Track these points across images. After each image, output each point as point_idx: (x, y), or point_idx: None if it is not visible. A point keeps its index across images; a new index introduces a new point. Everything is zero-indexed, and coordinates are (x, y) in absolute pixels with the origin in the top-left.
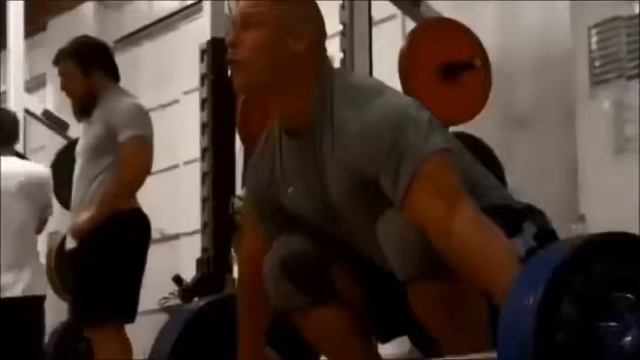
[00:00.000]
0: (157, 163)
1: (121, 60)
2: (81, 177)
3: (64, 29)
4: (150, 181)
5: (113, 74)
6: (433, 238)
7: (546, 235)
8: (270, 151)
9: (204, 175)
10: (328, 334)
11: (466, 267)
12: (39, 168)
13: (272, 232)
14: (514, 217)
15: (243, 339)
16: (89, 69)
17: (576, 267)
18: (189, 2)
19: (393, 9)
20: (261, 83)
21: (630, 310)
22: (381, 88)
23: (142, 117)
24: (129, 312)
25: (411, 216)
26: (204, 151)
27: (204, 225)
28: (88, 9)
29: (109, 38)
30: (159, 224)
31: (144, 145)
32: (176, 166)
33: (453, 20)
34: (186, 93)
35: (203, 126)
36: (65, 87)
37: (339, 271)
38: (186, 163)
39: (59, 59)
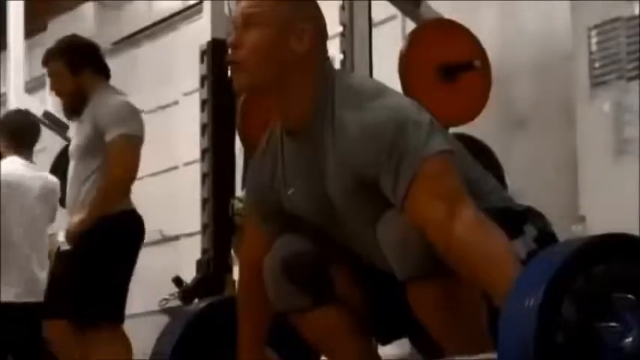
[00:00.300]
0: (157, 165)
1: (121, 61)
2: (74, 178)
3: (64, 30)
4: (150, 182)
5: (103, 72)
6: (433, 239)
7: (547, 237)
8: (272, 152)
9: (204, 176)
10: (328, 335)
11: (466, 268)
12: (50, 175)
13: (274, 233)
14: (515, 219)
15: (243, 341)
16: (78, 68)
17: (577, 268)
18: (189, 3)
19: (392, 10)
20: (263, 84)
21: (631, 311)
22: (382, 90)
23: (129, 115)
24: (119, 312)
25: (410, 217)
26: (204, 152)
27: (204, 226)
28: (88, 9)
29: (108, 39)
30: (159, 225)
31: (131, 144)
32: (176, 168)
33: (453, 21)
34: (185, 94)
35: (203, 127)
36: (54, 87)
37: (340, 272)
38: (186, 164)
39: (48, 60)
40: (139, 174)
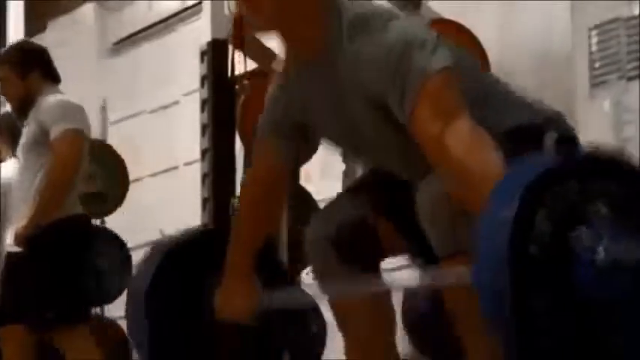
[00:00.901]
0: (157, 165)
1: (121, 62)
2: (21, 177)
3: (64, 31)
4: (150, 182)
5: (51, 76)
6: (431, 159)
7: (568, 141)
8: (289, 81)
9: (204, 176)
10: (360, 317)
11: (457, 187)
12: None
13: (290, 148)
14: (533, 133)
15: (236, 258)
16: (26, 73)
17: (550, 182)
18: (189, 4)
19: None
20: (272, 17)
21: (603, 223)
22: (389, 13)
23: (71, 110)
24: (79, 314)
25: (416, 138)
26: (204, 151)
27: (205, 226)
28: (87, 10)
29: (108, 40)
30: (159, 225)
31: (77, 139)
32: (176, 167)
33: (453, 21)
34: (185, 94)
35: (203, 127)
36: (4, 91)
37: (382, 225)
38: (186, 164)
39: None
40: (140, 174)
